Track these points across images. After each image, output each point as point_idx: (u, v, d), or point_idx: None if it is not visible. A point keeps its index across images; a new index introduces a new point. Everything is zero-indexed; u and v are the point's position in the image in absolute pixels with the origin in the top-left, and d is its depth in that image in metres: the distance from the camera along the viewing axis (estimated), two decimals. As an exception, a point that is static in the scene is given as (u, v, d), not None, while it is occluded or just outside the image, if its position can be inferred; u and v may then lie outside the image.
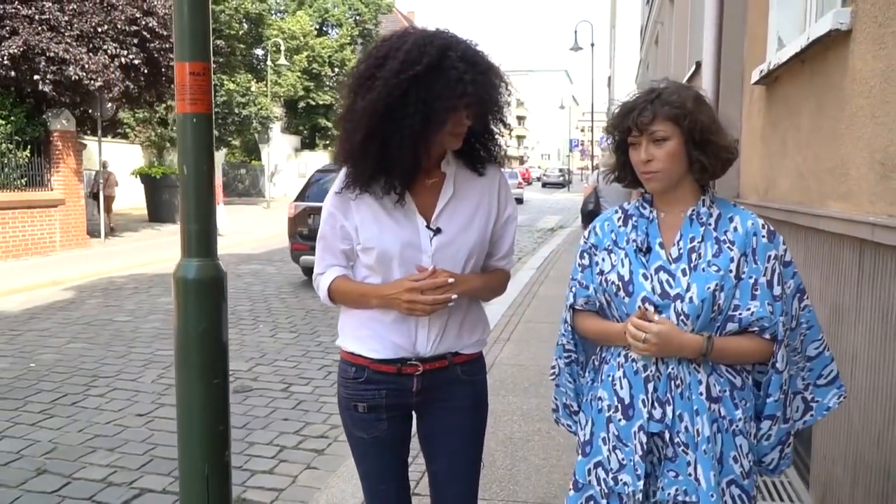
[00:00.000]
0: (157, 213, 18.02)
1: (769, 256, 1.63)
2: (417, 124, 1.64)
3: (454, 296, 1.73)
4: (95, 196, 15.27)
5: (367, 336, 1.87)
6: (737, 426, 1.64)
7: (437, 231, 1.80)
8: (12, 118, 11.94)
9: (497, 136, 1.89)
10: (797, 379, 1.76)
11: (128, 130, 21.73)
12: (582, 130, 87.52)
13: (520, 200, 23.48)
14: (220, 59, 21.56)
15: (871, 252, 2.50)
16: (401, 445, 1.96)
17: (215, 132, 9.83)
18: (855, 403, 2.61)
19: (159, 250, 12.89)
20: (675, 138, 1.61)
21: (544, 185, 50.64)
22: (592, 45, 29.61)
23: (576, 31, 27.84)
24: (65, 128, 12.81)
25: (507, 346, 5.97)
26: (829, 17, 2.91)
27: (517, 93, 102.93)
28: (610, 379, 1.71)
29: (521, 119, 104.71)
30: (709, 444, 1.60)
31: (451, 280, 1.73)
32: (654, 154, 1.62)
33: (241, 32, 24.94)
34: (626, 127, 1.65)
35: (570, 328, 1.84)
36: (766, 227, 1.66)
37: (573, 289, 1.82)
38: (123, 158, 20.66)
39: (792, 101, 3.72)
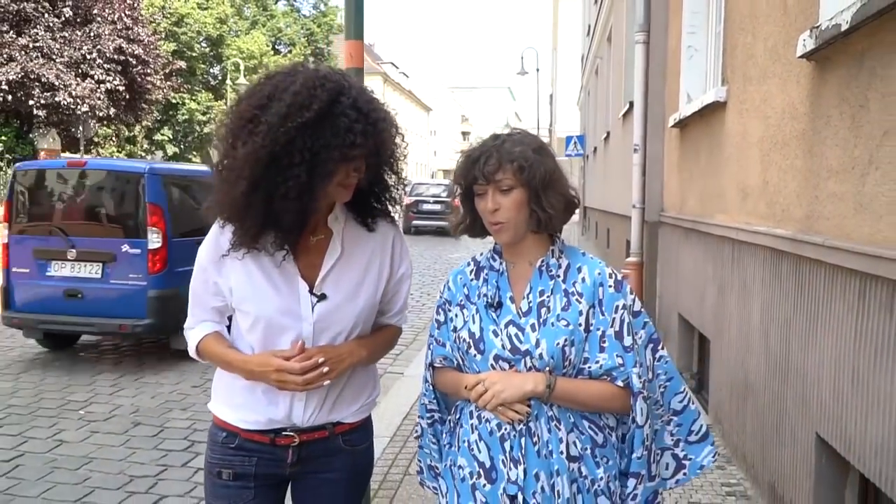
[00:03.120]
0: (127, 226, 18.70)
1: (616, 307, 1.60)
2: (304, 175, 1.50)
3: (325, 369, 1.60)
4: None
5: (238, 405, 1.73)
6: (598, 486, 1.59)
7: (322, 297, 1.66)
8: (3, 138, 12.73)
9: (392, 188, 1.78)
10: (664, 434, 1.72)
11: (91, 147, 22.31)
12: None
13: None
14: (181, 79, 22.44)
15: (737, 247, 3.91)
16: None
17: (175, 149, 11.63)
18: (731, 346, 4.02)
19: (141, 261, 13.74)
20: (518, 188, 1.57)
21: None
22: (538, 70, 31.54)
23: (522, 57, 29.68)
24: (51, 146, 13.61)
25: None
26: (714, 91, 4.34)
27: (461, 108, 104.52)
28: (466, 444, 1.66)
29: (465, 134, 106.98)
30: None
31: (321, 360, 1.59)
32: (500, 203, 1.58)
33: (201, 53, 25.79)
34: (472, 176, 1.60)
35: (430, 387, 1.78)
36: (613, 276, 1.63)
37: (430, 346, 1.76)
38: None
39: (695, 144, 5.17)
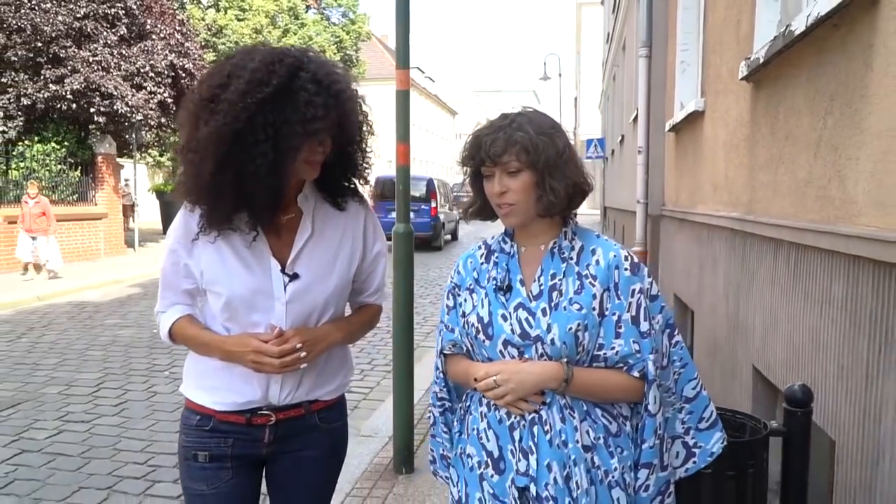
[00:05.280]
0: (171, 226, 19.90)
1: (633, 290, 1.54)
2: (270, 152, 1.49)
3: (303, 353, 1.61)
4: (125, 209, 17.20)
5: (212, 387, 1.72)
6: (612, 477, 1.53)
7: (294, 276, 1.66)
8: (65, 143, 13.91)
9: (361, 166, 1.75)
10: (676, 422, 1.67)
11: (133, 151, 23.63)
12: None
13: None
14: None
15: (710, 231, 4.76)
16: (245, 499, 1.78)
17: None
18: (706, 313, 4.86)
19: (189, 257, 14.84)
20: (526, 170, 1.51)
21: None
22: (560, 75, 32.36)
23: (545, 63, 30.53)
24: (108, 151, 14.79)
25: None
26: (694, 102, 5.20)
27: (486, 111, 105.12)
28: (475, 433, 1.61)
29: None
30: (588, 498, 1.50)
31: (298, 345, 1.60)
32: (508, 185, 1.53)
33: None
34: (479, 158, 1.55)
35: (441, 375, 1.72)
36: (629, 258, 1.58)
37: (441, 332, 1.70)
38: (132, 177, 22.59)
39: (685, 146, 6.02)
